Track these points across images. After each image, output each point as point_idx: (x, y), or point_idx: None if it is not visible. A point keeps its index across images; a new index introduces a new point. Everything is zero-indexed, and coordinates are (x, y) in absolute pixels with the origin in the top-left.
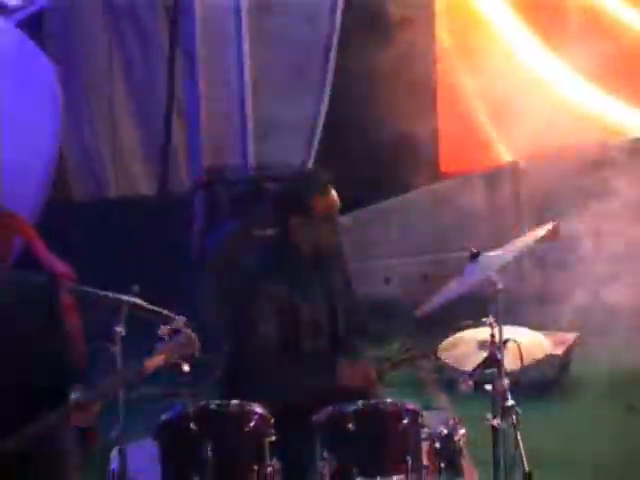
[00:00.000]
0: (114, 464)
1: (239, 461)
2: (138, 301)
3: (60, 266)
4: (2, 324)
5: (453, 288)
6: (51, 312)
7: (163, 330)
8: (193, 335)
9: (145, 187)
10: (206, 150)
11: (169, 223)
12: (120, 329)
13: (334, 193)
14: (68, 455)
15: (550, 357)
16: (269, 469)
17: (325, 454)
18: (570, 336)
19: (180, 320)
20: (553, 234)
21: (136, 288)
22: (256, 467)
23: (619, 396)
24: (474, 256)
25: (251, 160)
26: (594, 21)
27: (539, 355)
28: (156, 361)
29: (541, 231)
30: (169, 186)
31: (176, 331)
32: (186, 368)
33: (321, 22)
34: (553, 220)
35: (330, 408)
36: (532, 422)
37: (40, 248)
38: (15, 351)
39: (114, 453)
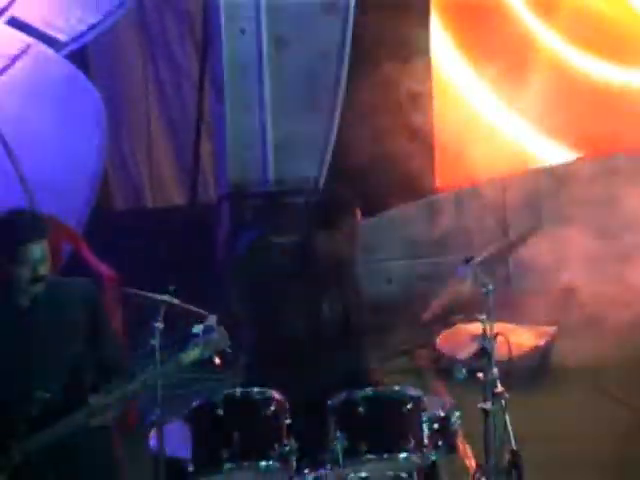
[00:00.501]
0: (153, 441)
1: (261, 441)
2: (175, 300)
3: (104, 269)
4: (54, 324)
5: (451, 291)
6: (95, 312)
7: (198, 327)
8: (224, 332)
9: (177, 198)
10: (231, 166)
11: (198, 230)
12: (159, 324)
13: (359, 213)
14: (111, 438)
15: (534, 349)
16: (287, 448)
17: (338, 434)
18: (550, 329)
19: (212, 318)
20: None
21: (172, 289)
22: (276, 446)
23: (593, 382)
24: (467, 260)
25: (270, 175)
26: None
27: (524, 347)
28: (192, 355)
29: (515, 239)
30: (198, 197)
31: (209, 328)
32: (217, 361)
33: (332, 56)
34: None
35: (343, 394)
36: (517, 405)
37: (87, 253)
38: (65, 349)
39: (153, 432)
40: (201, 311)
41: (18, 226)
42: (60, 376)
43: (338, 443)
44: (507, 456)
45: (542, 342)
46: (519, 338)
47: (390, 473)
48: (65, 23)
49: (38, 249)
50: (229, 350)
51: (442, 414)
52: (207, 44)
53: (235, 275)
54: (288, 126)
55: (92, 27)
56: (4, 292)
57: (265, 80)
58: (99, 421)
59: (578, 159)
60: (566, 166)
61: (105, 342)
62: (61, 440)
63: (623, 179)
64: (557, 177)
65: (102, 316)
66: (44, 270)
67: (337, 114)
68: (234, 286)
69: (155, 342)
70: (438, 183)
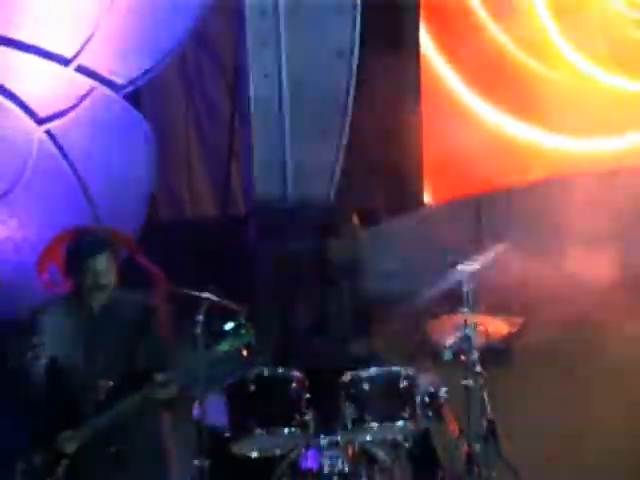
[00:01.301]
0: (196, 411)
1: (285, 412)
2: (214, 297)
3: (154, 270)
4: (116, 326)
5: (440, 285)
6: (147, 319)
7: (229, 325)
8: (250, 328)
9: (211, 210)
10: (256, 185)
11: (229, 239)
12: (200, 317)
13: (357, 224)
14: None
15: (506, 335)
16: (306, 417)
17: (347, 406)
18: (519, 319)
19: (241, 317)
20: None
21: (212, 287)
22: (297, 416)
23: (555, 363)
24: (453, 264)
25: (289, 193)
26: None
27: (498, 334)
28: (225, 347)
29: (496, 250)
30: (229, 210)
31: (239, 325)
32: (244, 353)
33: (341, 95)
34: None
35: (350, 373)
36: (492, 383)
37: (140, 256)
38: (124, 347)
39: (196, 404)
40: (235, 306)
41: (83, 242)
42: (120, 368)
43: (347, 413)
44: (485, 424)
45: (512, 330)
46: (494, 327)
47: (389, 437)
48: (123, 69)
49: (99, 261)
50: (254, 343)
51: (432, 390)
52: (237, 85)
53: (260, 278)
54: (303, 152)
55: (145, 72)
56: (77, 299)
57: (285, 114)
58: (165, 394)
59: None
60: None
61: (154, 341)
62: (122, 418)
63: None
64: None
65: (152, 322)
66: (106, 280)
67: (344, 143)
68: (260, 287)
69: (198, 332)
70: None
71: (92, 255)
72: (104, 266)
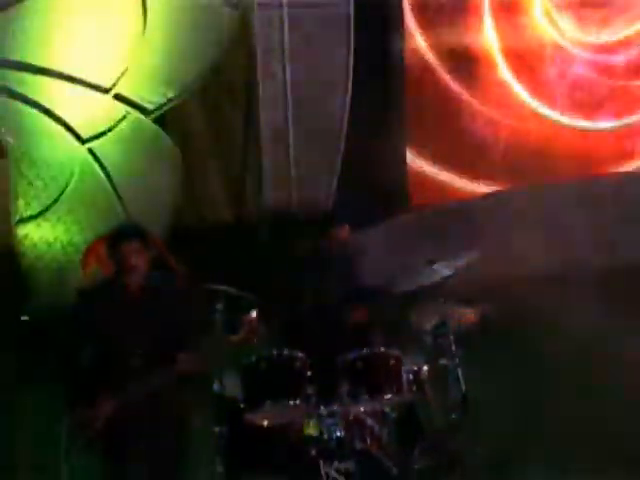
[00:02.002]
0: (216, 386)
1: (291, 387)
2: (231, 289)
3: (178, 266)
4: (149, 302)
5: (421, 279)
6: (175, 296)
7: (245, 319)
8: (260, 325)
9: (227, 216)
10: (266, 195)
11: (244, 238)
12: (220, 306)
13: (348, 227)
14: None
15: (475, 320)
16: (308, 391)
17: (343, 381)
18: (485, 306)
19: (254, 312)
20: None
21: (250, 295)
22: (301, 390)
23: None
24: (431, 262)
25: (293, 202)
26: None
27: (469, 320)
28: (240, 337)
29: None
30: (243, 216)
31: (251, 320)
32: (255, 341)
33: (336, 119)
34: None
35: (346, 354)
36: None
37: (167, 255)
38: (157, 319)
39: (216, 380)
40: (249, 295)
41: (118, 231)
42: (153, 337)
43: (343, 388)
44: (460, 396)
45: (480, 316)
46: (465, 314)
47: (379, 408)
48: (152, 97)
49: (130, 246)
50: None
51: (415, 368)
52: (249, 111)
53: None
54: (305, 168)
55: (170, 100)
56: (115, 280)
57: (289, 136)
58: (191, 367)
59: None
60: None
61: (183, 316)
62: (153, 387)
63: None
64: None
65: (180, 299)
66: (135, 262)
67: (339, 160)
68: (269, 280)
69: (218, 319)
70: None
71: (124, 240)
72: (134, 250)
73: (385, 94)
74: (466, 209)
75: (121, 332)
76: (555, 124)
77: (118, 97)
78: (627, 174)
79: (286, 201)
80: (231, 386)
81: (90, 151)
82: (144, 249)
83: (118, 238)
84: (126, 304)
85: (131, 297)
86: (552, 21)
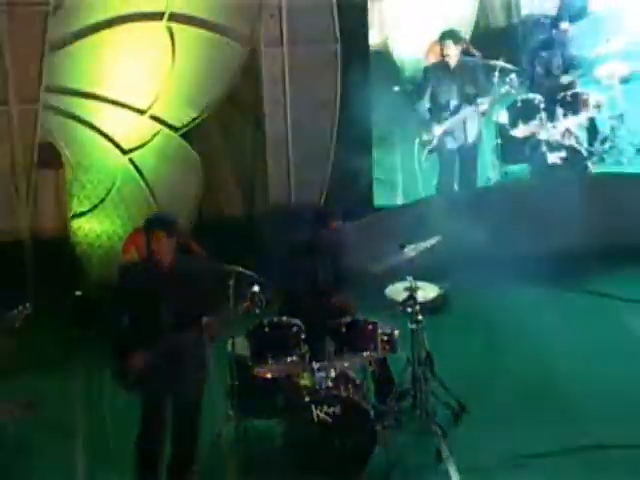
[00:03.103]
0: (229, 347)
1: (288, 347)
2: (240, 269)
3: (200, 250)
4: (178, 280)
5: (391, 260)
6: (199, 274)
7: (249, 292)
8: (262, 296)
9: (239, 211)
10: (270, 193)
11: (253, 228)
12: (231, 282)
13: (339, 220)
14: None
15: (436, 297)
16: (303, 350)
17: (331, 342)
18: (445, 285)
19: (256, 287)
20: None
21: (257, 277)
22: (297, 349)
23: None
24: (402, 247)
25: (293, 200)
26: None
27: (432, 295)
28: (245, 306)
29: (430, 241)
30: (252, 211)
31: (253, 293)
32: (257, 311)
33: (326, 133)
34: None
35: (333, 321)
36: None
37: (190, 241)
38: (183, 293)
39: (229, 342)
40: (254, 274)
41: (147, 222)
42: (177, 305)
43: (330, 348)
44: (424, 354)
45: (441, 292)
46: (429, 290)
47: (359, 363)
48: (179, 117)
49: (157, 234)
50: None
51: (388, 331)
52: (257, 126)
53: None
54: (302, 172)
55: (194, 119)
56: (149, 260)
57: (289, 146)
58: (214, 330)
59: None
60: None
61: (202, 289)
62: (180, 345)
63: None
64: None
65: (199, 276)
66: (160, 245)
67: (330, 165)
68: (272, 262)
69: (230, 292)
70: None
71: (152, 229)
72: (160, 236)
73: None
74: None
75: (151, 301)
76: None
77: (153, 117)
78: None
79: (286, 199)
80: (240, 347)
81: (130, 160)
82: (169, 235)
83: (148, 228)
84: (155, 279)
85: (160, 273)
86: None
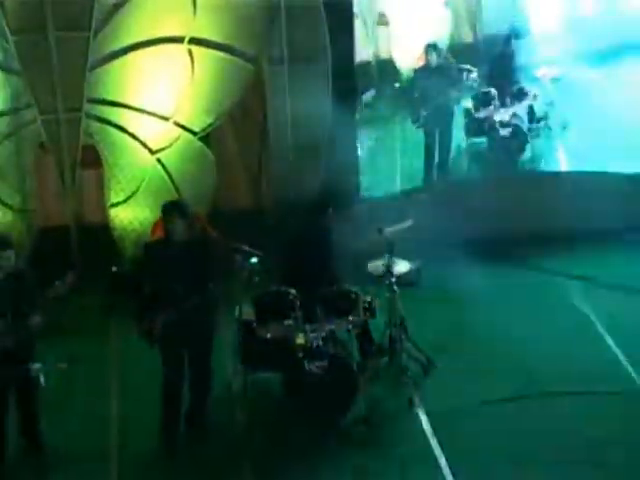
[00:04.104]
0: (237, 312)
1: (286, 312)
2: (246, 247)
3: (214, 232)
4: (190, 254)
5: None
6: (208, 250)
7: (253, 260)
8: (258, 266)
9: (248, 204)
10: (273, 188)
11: (259, 216)
12: (239, 257)
13: (331, 209)
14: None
15: (409, 270)
16: (298, 314)
17: (321, 308)
18: (418, 262)
19: (255, 259)
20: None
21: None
22: (292, 314)
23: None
24: (380, 230)
25: (292, 193)
26: None
27: (404, 269)
28: (245, 276)
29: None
30: (259, 203)
31: (252, 264)
32: (256, 279)
33: (320, 136)
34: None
35: (323, 291)
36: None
37: (206, 225)
38: (193, 265)
39: (237, 309)
40: (255, 251)
41: (162, 208)
42: (190, 276)
43: (321, 313)
44: (399, 319)
45: (414, 267)
46: (401, 266)
47: (345, 326)
48: (198, 122)
49: (169, 217)
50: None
51: (369, 299)
52: (263, 131)
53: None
54: (300, 170)
55: (210, 125)
56: (168, 238)
57: (289, 147)
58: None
59: None
60: None
61: (211, 263)
62: (193, 308)
63: None
64: None
65: (210, 252)
66: (172, 226)
67: (322, 164)
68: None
69: (238, 264)
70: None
71: (165, 214)
72: (172, 220)
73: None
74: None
75: (167, 271)
76: None
77: (176, 123)
78: None
79: (287, 193)
80: (246, 312)
81: (157, 160)
82: (180, 217)
83: (164, 212)
84: (171, 253)
85: (175, 249)
86: None
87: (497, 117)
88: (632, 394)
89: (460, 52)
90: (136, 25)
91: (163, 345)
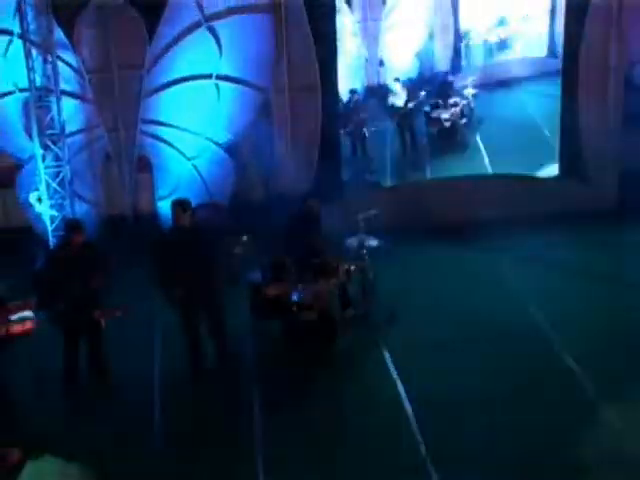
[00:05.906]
0: (247, 275)
1: (283, 275)
2: (245, 238)
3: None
4: (195, 239)
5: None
6: (211, 237)
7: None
8: (251, 244)
9: (259, 197)
10: (281, 183)
11: (269, 209)
12: (239, 251)
13: (319, 209)
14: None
15: (379, 246)
16: (293, 277)
17: (310, 273)
18: (387, 239)
19: (245, 237)
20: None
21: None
22: (290, 277)
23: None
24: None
25: (291, 190)
26: None
27: (374, 244)
28: (240, 251)
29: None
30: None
31: (245, 241)
32: (251, 253)
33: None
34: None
35: (313, 259)
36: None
37: (226, 214)
38: (198, 250)
39: (248, 273)
40: (249, 235)
41: (172, 201)
42: (195, 254)
43: (309, 276)
44: (370, 282)
45: (382, 244)
46: (372, 241)
47: (328, 288)
48: (222, 138)
49: (175, 209)
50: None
51: (346, 266)
52: (271, 141)
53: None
54: (298, 170)
55: (230, 139)
56: (175, 227)
57: (289, 152)
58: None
59: None
60: None
61: (213, 245)
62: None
63: None
64: None
65: (213, 235)
66: (177, 217)
67: (316, 160)
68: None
69: (239, 251)
70: None
71: (175, 206)
72: (177, 211)
73: None
74: None
75: (176, 252)
76: None
77: (205, 138)
78: None
79: (287, 189)
80: (254, 276)
81: (193, 165)
82: (184, 210)
83: (172, 206)
84: (178, 238)
85: (181, 234)
86: None
87: (443, 116)
88: None
89: (420, 80)
90: (177, 65)
91: (181, 308)
